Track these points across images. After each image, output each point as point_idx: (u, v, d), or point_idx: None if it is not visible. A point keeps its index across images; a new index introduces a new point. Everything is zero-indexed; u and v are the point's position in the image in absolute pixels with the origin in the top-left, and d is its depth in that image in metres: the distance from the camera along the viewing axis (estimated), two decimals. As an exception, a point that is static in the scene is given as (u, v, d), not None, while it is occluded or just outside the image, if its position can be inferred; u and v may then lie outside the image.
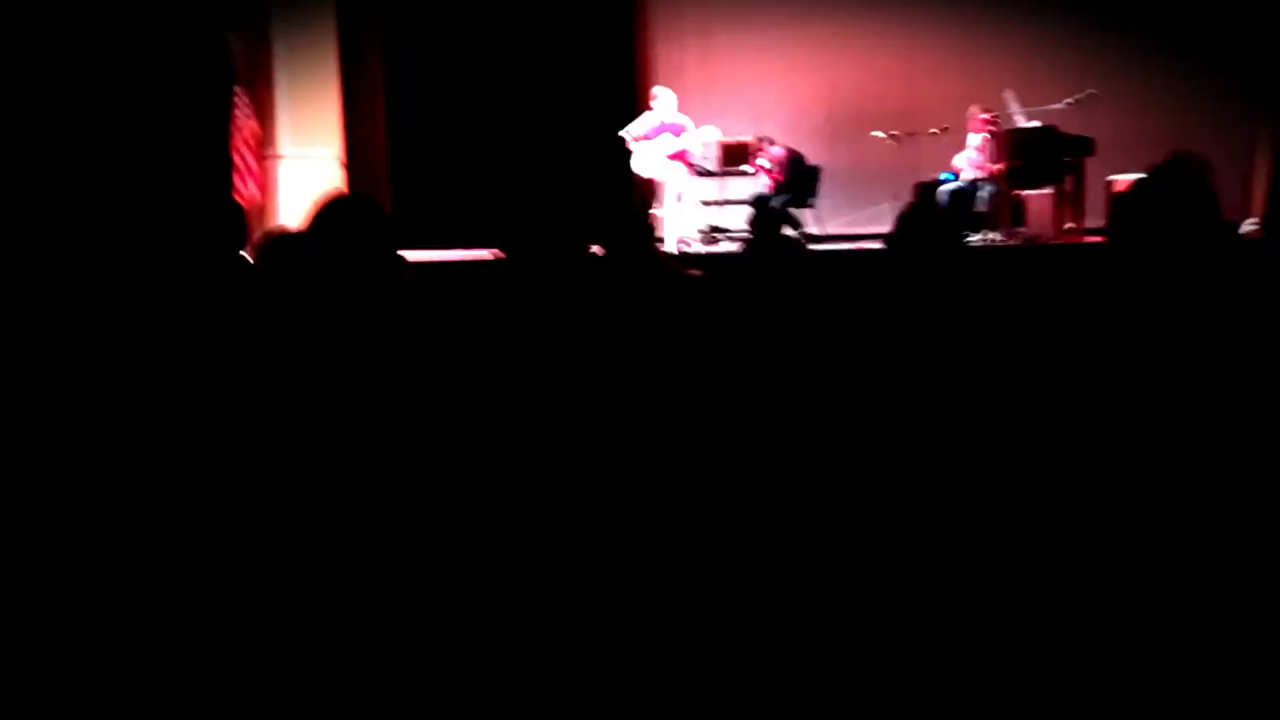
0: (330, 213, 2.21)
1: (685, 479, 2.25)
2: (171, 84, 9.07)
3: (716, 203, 10.76)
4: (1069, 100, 8.69)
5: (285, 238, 2.25)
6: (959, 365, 2.45)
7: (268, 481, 2.05)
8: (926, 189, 9.06)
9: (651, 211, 9.50)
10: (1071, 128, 8.49)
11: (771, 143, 10.11)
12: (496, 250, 3.10)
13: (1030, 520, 2.04)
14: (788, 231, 9.50)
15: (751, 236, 7.90)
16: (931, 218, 3.19)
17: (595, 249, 4.24)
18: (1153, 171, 2.37)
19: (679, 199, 9.66)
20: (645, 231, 4.11)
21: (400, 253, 2.41)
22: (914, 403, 2.37)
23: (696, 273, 3.90)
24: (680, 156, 9.55)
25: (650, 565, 2.09)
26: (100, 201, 8.12)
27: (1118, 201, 2.32)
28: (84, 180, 8.38)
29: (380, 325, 2.15)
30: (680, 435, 2.33)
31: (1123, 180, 7.44)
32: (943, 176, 9.25)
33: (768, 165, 10.05)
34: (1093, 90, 8.76)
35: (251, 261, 2.62)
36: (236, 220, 8.97)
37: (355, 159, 10.19)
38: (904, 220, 3.10)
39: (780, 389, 2.47)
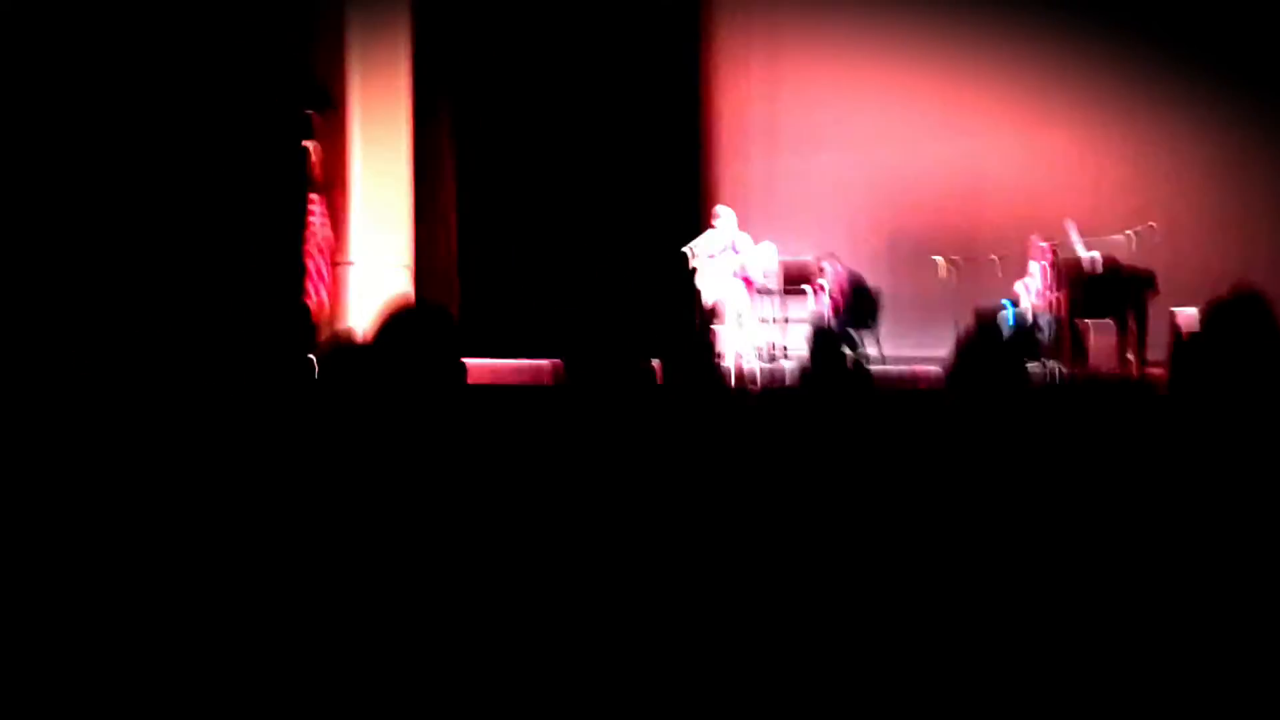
0: (396, 324, 2.26)
1: (733, 599, 2.24)
2: (249, 188, 9.36)
3: (776, 321, 10.81)
4: (1129, 232, 8.70)
5: (350, 348, 2.31)
6: (1014, 497, 2.44)
7: (316, 580, 2.07)
8: (986, 318, 9.05)
9: (712, 328, 9.59)
10: (1134, 256, 8.48)
11: (835, 261, 10.18)
12: (558, 360, 3.15)
13: (1077, 651, 2.01)
14: (846, 353, 9.50)
15: (810, 358, 7.89)
16: (991, 346, 3.19)
17: (654, 364, 4.29)
18: (1214, 311, 2.37)
19: (739, 317, 9.73)
20: (706, 349, 4.15)
21: (463, 360, 2.46)
22: (965, 532, 2.36)
23: (754, 391, 3.92)
24: (741, 274, 9.65)
25: (694, 685, 2.08)
26: (172, 299, 8.33)
27: (1180, 346, 2.31)
28: (156, 276, 8.60)
29: (439, 440, 2.19)
30: (730, 556, 2.33)
31: (1185, 312, 7.39)
32: (1003, 303, 9.25)
33: (828, 285, 10.12)
34: (1152, 224, 8.77)
35: (317, 366, 2.69)
36: (305, 324, 9.19)
37: (425, 268, 10.41)
38: (963, 348, 3.10)
39: (833, 512, 2.46)
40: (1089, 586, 2.17)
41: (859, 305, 10.04)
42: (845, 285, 10.06)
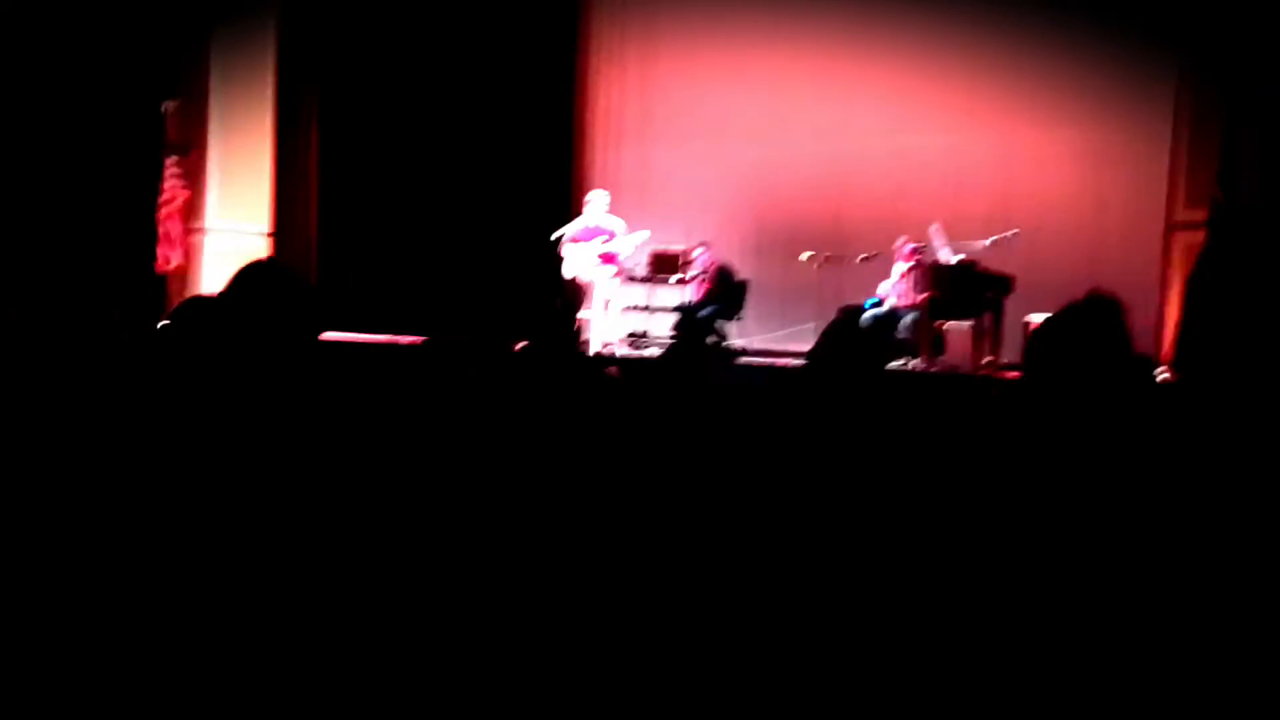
0: (249, 277, 2.17)
1: (586, 575, 2.21)
2: (101, 147, 9.01)
3: (643, 309, 10.84)
4: (993, 238, 8.94)
5: (201, 300, 2.21)
6: (866, 483, 2.45)
7: (166, 545, 1.98)
8: (850, 312, 9.21)
9: (578, 314, 9.54)
10: (993, 264, 8.70)
11: (706, 250, 10.24)
12: (419, 338, 3.07)
13: (926, 639, 2.03)
14: (710, 336, 9.59)
15: (675, 343, 7.91)
16: (853, 339, 3.22)
17: (517, 344, 4.24)
18: (1068, 308, 2.41)
19: (606, 303, 9.70)
20: (567, 329, 4.11)
21: (319, 330, 2.38)
22: (815, 518, 2.36)
23: (613, 371, 3.89)
24: (610, 259, 9.60)
25: (545, 662, 2.04)
26: (17, 261, 7.98)
27: (1034, 336, 2.35)
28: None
29: (292, 397, 2.10)
30: (583, 531, 2.30)
31: (1038, 319, 7.58)
32: (867, 302, 9.41)
33: (699, 271, 10.17)
34: (1016, 230, 9.03)
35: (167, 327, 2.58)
36: (155, 289, 8.85)
37: (283, 236, 10.14)
38: (826, 339, 3.12)
39: (688, 493, 2.45)
40: (927, 569, 2.19)
41: (726, 295, 10.12)
42: (715, 272, 10.13)
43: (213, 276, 9.14)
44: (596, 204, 9.71)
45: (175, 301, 8.46)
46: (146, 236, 9.17)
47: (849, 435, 2.73)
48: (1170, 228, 9.06)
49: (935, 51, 10.63)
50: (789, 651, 2.08)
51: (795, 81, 11.34)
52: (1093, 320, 2.34)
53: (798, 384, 3.14)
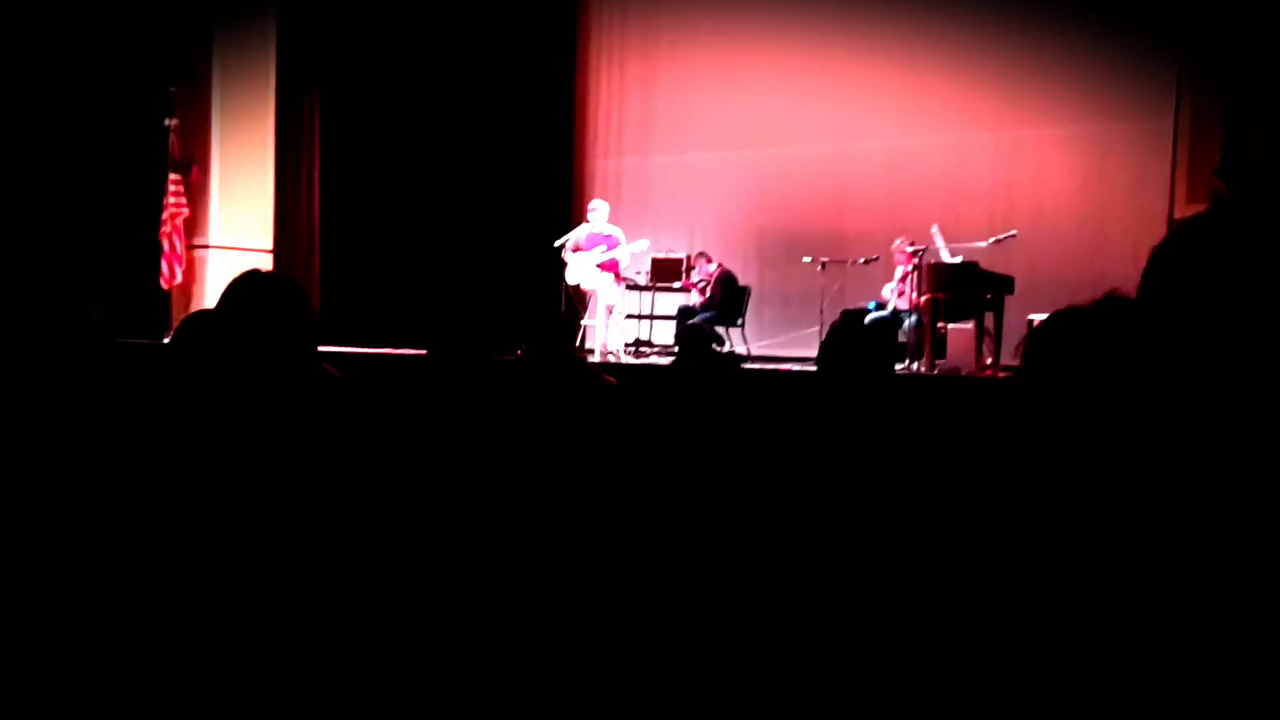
0: (241, 287, 2.18)
1: (589, 580, 2.21)
2: (105, 165, 9.05)
3: (644, 316, 10.85)
4: (993, 239, 8.92)
5: (203, 314, 2.21)
6: (870, 484, 2.46)
7: (170, 560, 1.99)
8: (852, 316, 9.19)
9: (580, 321, 9.55)
10: (993, 266, 8.68)
11: (708, 259, 10.26)
12: (421, 350, 3.08)
13: (935, 642, 2.02)
14: (713, 344, 9.59)
15: (680, 351, 7.90)
16: (857, 344, 3.22)
17: (517, 352, 4.27)
18: (1080, 308, 2.34)
19: (609, 310, 9.72)
20: (566, 336, 4.12)
21: (316, 333, 2.38)
22: (821, 518, 2.36)
23: (612, 380, 3.90)
24: (610, 267, 9.62)
25: (548, 669, 2.04)
26: (19, 279, 8.00)
27: (1038, 333, 2.28)
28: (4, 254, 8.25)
29: (294, 408, 2.11)
30: (585, 537, 2.30)
31: (1041, 319, 7.54)
32: (869, 305, 9.40)
33: (700, 281, 10.20)
34: (1014, 231, 9.00)
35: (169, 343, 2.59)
36: (159, 305, 8.85)
37: (285, 251, 10.17)
38: (831, 345, 3.12)
39: (694, 498, 2.45)
40: (939, 570, 2.18)
41: (728, 301, 10.12)
42: (718, 281, 10.14)
43: (215, 293, 9.17)
44: (598, 213, 9.74)
45: (178, 317, 8.47)
46: (150, 253, 9.21)
47: (860, 440, 2.73)
48: (1174, 224, 9.01)
49: (934, 51, 10.62)
50: (797, 656, 2.08)
51: (794, 85, 11.35)
52: (1110, 323, 2.28)
53: (806, 390, 3.14)
